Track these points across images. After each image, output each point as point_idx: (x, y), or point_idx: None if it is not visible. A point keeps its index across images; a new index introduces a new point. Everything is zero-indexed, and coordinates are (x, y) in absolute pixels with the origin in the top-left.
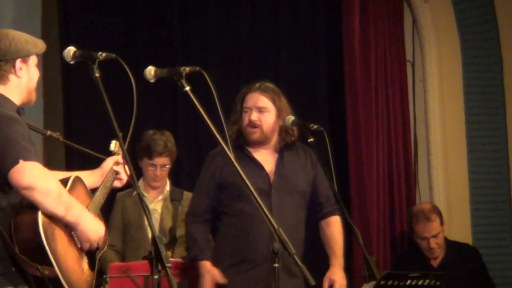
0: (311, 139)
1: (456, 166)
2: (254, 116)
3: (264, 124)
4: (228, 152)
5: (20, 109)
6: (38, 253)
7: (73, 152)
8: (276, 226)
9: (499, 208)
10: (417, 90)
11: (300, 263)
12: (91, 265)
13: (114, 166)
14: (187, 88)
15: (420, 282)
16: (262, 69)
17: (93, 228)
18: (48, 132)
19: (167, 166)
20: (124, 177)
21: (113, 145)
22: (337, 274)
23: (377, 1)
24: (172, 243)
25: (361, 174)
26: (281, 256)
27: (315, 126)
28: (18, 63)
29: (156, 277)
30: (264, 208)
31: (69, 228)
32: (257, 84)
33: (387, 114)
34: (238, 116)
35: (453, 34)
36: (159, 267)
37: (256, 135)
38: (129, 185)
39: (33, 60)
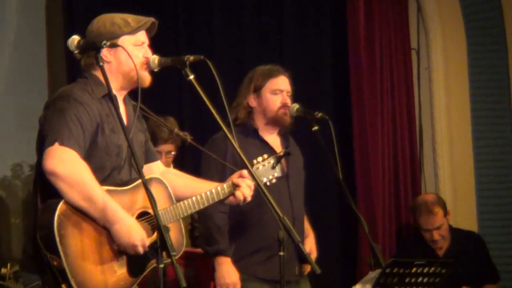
0: (316, 127)
1: (462, 154)
2: (288, 99)
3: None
4: (233, 141)
5: (112, 96)
6: (50, 242)
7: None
8: (281, 215)
9: (504, 195)
10: (422, 78)
11: (305, 252)
12: (134, 271)
13: (235, 179)
14: (191, 76)
15: (425, 270)
16: (266, 56)
17: (125, 232)
18: (176, 130)
19: (172, 153)
20: (246, 192)
21: (256, 160)
22: (311, 243)
23: None
24: None
25: (367, 163)
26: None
27: (320, 114)
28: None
29: (161, 265)
30: (269, 196)
31: (106, 228)
32: (279, 67)
33: (392, 102)
34: (252, 97)
35: (458, 21)
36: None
37: (288, 118)
38: None
39: (126, 40)
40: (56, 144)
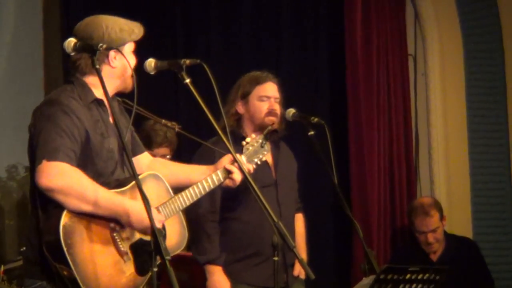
0: (312, 132)
1: (457, 160)
2: (276, 105)
3: (279, 115)
4: (229, 146)
5: (100, 101)
6: (58, 253)
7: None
8: (276, 220)
9: (499, 202)
10: (418, 83)
11: (299, 257)
12: (141, 269)
13: (227, 165)
14: (187, 80)
15: (419, 276)
16: (263, 61)
17: (138, 217)
18: (163, 121)
19: (167, 157)
20: (237, 177)
21: (245, 141)
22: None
23: None
24: None
25: (362, 168)
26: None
27: (316, 119)
28: (112, 53)
29: (155, 269)
30: (264, 201)
31: (111, 229)
32: (267, 73)
33: (389, 107)
34: (239, 103)
35: (455, 27)
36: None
37: (275, 124)
38: None
39: (128, 47)
40: (44, 162)
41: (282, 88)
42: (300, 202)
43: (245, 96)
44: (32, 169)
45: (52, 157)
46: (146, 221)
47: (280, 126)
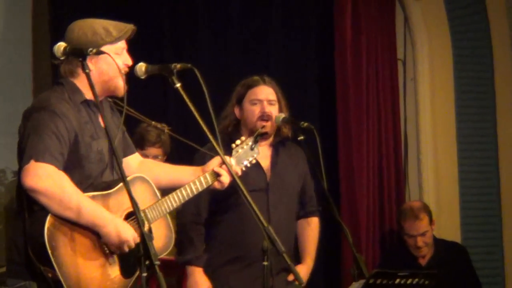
0: (302, 137)
1: (446, 165)
2: (268, 108)
3: (273, 117)
4: (218, 150)
5: (89, 101)
6: (42, 255)
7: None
8: (265, 224)
9: (488, 207)
10: (408, 88)
11: (289, 262)
12: (127, 272)
13: (216, 168)
14: (178, 85)
15: (409, 281)
16: (252, 66)
17: (114, 232)
18: (153, 122)
19: (159, 157)
20: (225, 180)
21: (235, 144)
22: (303, 272)
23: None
24: None
25: (351, 172)
26: (271, 254)
27: (306, 124)
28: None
29: (144, 274)
30: (254, 205)
31: (96, 232)
32: (261, 77)
33: (378, 112)
34: (235, 109)
35: (444, 32)
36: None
37: (268, 128)
38: None
39: (107, 49)
40: (32, 162)
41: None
42: (315, 205)
43: (240, 101)
44: (20, 170)
45: (40, 158)
46: (124, 236)
47: (284, 129)
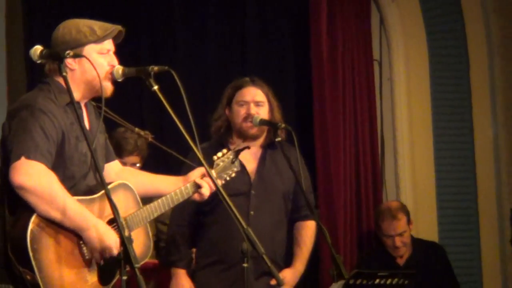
0: (279, 138)
1: (423, 165)
2: (253, 109)
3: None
4: (195, 149)
5: (75, 105)
6: (23, 257)
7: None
8: (245, 226)
9: (465, 206)
10: (384, 89)
11: (269, 263)
12: (104, 279)
13: (197, 179)
14: (155, 87)
15: (388, 281)
16: (228, 68)
17: (97, 237)
18: (136, 129)
19: (137, 165)
20: (206, 192)
21: (216, 156)
22: (289, 276)
23: (344, 0)
24: None
25: (328, 173)
26: (255, 259)
27: (283, 125)
28: (71, 54)
29: (124, 277)
30: (233, 207)
31: (78, 236)
32: (250, 78)
33: (354, 113)
34: (226, 111)
35: (420, 33)
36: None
37: (254, 129)
38: None
39: (91, 48)
40: (23, 158)
41: None
42: (308, 209)
43: (229, 103)
44: (4, 167)
45: (31, 156)
46: (107, 242)
47: (276, 136)
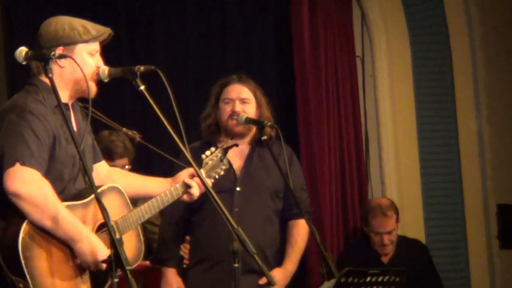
0: (265, 137)
1: (408, 161)
2: (239, 107)
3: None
4: (184, 149)
5: (63, 107)
6: (15, 265)
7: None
8: (235, 226)
9: (451, 202)
10: (367, 85)
11: (260, 263)
12: (96, 285)
13: (186, 179)
14: (142, 87)
15: (380, 279)
16: (209, 65)
17: (89, 250)
18: (124, 129)
19: (127, 167)
20: (196, 192)
21: (205, 155)
22: (279, 276)
23: None
24: None
25: (313, 171)
26: (241, 256)
27: (269, 123)
28: (59, 51)
29: (116, 280)
30: (222, 206)
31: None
32: (237, 76)
33: (338, 109)
34: (214, 109)
35: (402, 28)
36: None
37: (239, 127)
38: None
39: (82, 48)
40: (18, 165)
41: None
42: (303, 207)
43: (217, 101)
44: None
45: (26, 162)
46: (96, 257)
47: (268, 129)
